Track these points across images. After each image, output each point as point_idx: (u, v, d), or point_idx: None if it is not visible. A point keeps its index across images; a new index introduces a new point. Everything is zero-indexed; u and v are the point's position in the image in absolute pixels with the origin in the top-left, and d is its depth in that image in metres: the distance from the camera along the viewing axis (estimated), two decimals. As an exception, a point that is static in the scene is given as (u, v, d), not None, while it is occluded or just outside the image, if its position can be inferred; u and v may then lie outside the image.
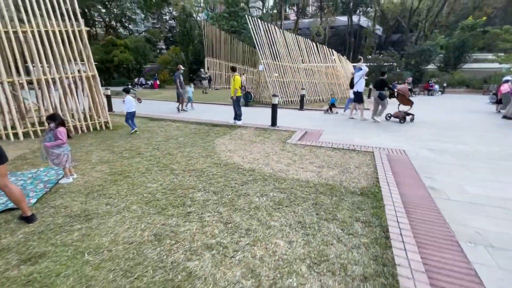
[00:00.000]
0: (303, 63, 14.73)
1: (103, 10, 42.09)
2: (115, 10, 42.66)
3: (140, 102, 14.07)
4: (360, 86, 8.78)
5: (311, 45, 15.38)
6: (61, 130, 3.43)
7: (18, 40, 6.17)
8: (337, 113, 10.70)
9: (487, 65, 28.51)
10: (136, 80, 26.35)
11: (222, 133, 6.69)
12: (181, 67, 10.83)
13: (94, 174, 3.94)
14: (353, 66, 18.54)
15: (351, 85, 9.11)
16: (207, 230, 2.55)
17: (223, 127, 7.49)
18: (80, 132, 6.68)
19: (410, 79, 21.04)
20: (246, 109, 11.60)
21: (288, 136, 6.37)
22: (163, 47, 47.08)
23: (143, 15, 50.65)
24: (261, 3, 43.52)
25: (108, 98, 10.15)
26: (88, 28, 7.27)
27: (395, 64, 26.75)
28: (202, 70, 22.62)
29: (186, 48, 26.40)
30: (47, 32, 6.44)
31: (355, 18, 42.13)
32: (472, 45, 26.71)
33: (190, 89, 11.27)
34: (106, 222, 2.68)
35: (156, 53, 40.55)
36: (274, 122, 7.34)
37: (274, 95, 7.19)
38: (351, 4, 41.73)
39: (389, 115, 8.90)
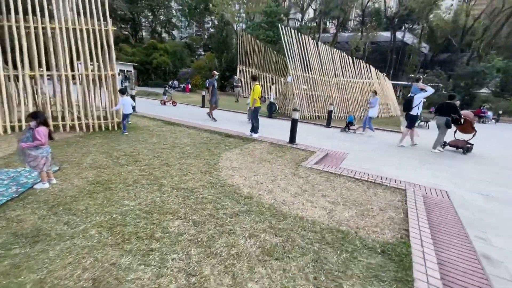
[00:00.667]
0: (336, 77, 13.82)
1: (151, 17, 45.06)
2: (161, 16, 45.46)
3: (174, 105, 14.12)
4: (419, 109, 7.52)
5: (347, 59, 14.43)
6: (41, 130, 3.12)
7: (46, 35, 6.30)
8: (354, 132, 9.68)
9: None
10: (170, 82, 27.28)
11: (233, 146, 6.13)
12: (216, 73, 10.58)
13: (75, 181, 3.57)
14: (394, 84, 17.10)
15: (407, 107, 7.60)
16: (161, 282, 1.93)
17: (237, 138, 6.94)
18: (91, 130, 6.59)
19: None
20: (269, 121, 11.02)
21: (305, 157, 5.60)
22: (202, 53, 48.91)
23: (186, 22, 53.40)
24: (300, 15, 43.31)
25: (132, 98, 10.23)
26: (113, 28, 7.27)
27: (441, 85, 24.43)
28: (235, 77, 22.52)
29: (221, 55, 26.80)
30: (74, 29, 6.52)
31: (399, 35, 39.83)
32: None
33: None
34: (50, 250, 2.19)
35: (193, 58, 42.17)
36: (292, 139, 6.61)
37: (295, 109, 6.49)
38: (396, 20, 39.60)
39: (445, 143, 7.66)
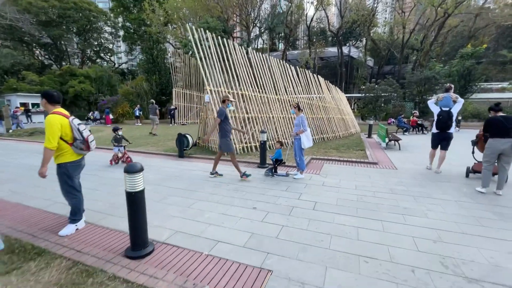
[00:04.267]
0: (276, 93, 10.52)
1: (78, 41, 39.63)
2: (91, 40, 40.26)
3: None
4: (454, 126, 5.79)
5: (289, 69, 11.34)
6: None
7: None
8: (287, 175, 5.73)
9: (498, 95, 25.22)
10: (90, 114, 22.08)
11: None
12: (231, 98, 5.67)
13: None
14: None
15: (443, 126, 5.69)
16: None
17: (11, 256, 2.73)
18: None
19: (417, 112, 17.42)
20: (175, 166, 6.79)
21: None
22: (144, 79, 44.23)
23: (128, 48, 48.81)
24: (246, 34, 41.66)
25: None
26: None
27: (395, 94, 23.16)
28: (152, 100, 17.07)
29: (151, 78, 22.68)
30: None
31: (345, 49, 40.02)
32: (480, 73, 23.53)
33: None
34: None
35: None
36: (137, 240, 2.61)
37: (128, 171, 2.57)
38: (341, 36, 39.82)
39: (468, 169, 5.77)
